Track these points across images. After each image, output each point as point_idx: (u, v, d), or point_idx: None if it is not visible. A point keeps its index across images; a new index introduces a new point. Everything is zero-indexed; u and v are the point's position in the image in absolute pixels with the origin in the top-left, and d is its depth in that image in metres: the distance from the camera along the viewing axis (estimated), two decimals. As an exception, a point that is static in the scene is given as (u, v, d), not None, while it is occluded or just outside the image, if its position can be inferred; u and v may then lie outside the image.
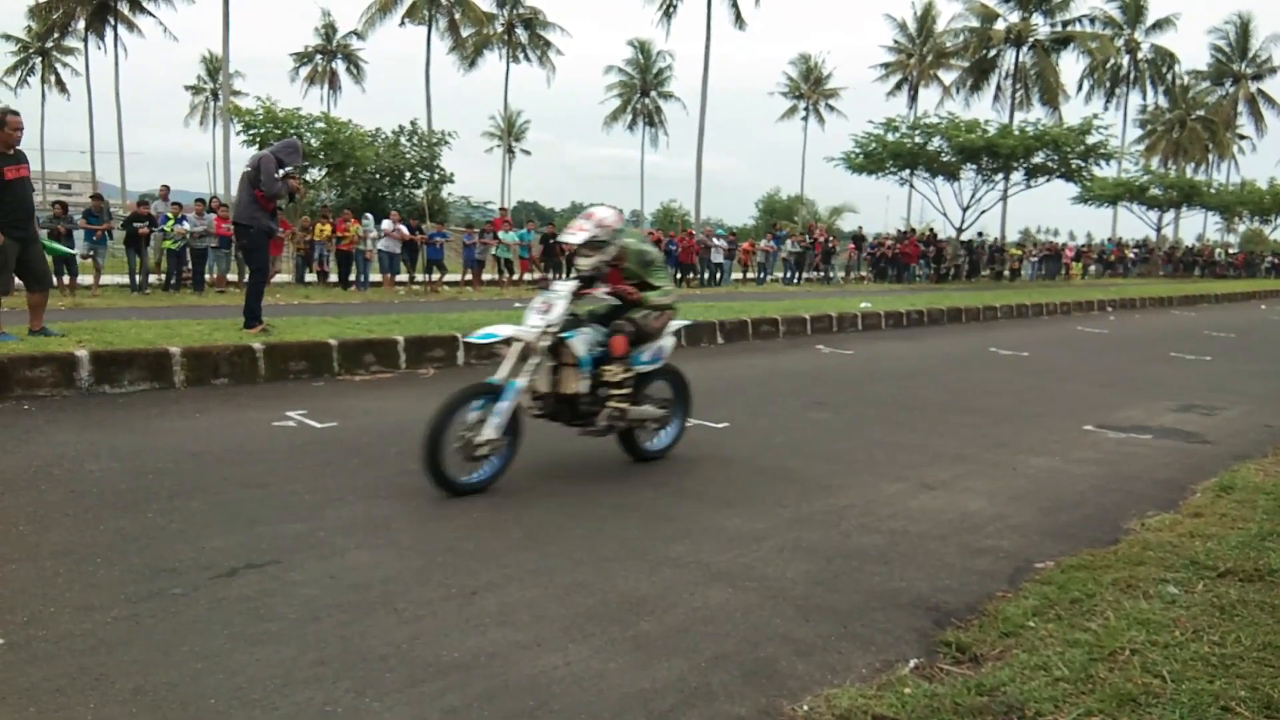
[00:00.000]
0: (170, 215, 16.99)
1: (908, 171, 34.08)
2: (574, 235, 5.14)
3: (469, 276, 21.58)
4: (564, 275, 23.16)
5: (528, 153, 73.86)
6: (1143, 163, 49.77)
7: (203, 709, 2.54)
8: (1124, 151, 42.03)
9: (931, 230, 37.08)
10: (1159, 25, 53.20)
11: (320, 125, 24.65)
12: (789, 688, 2.78)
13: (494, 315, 11.17)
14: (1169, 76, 55.91)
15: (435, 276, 20.93)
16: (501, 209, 28.39)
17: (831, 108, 64.47)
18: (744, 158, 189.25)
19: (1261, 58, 56.70)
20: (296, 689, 2.66)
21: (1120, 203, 46.43)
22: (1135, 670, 2.74)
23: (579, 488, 4.92)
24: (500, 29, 50.65)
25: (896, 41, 56.25)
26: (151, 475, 4.77)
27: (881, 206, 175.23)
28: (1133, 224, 57.85)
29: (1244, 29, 56.44)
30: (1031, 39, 46.09)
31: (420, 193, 27.86)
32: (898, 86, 56.45)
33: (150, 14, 46.95)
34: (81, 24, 47.50)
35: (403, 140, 28.68)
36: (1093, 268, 42.23)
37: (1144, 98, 56.91)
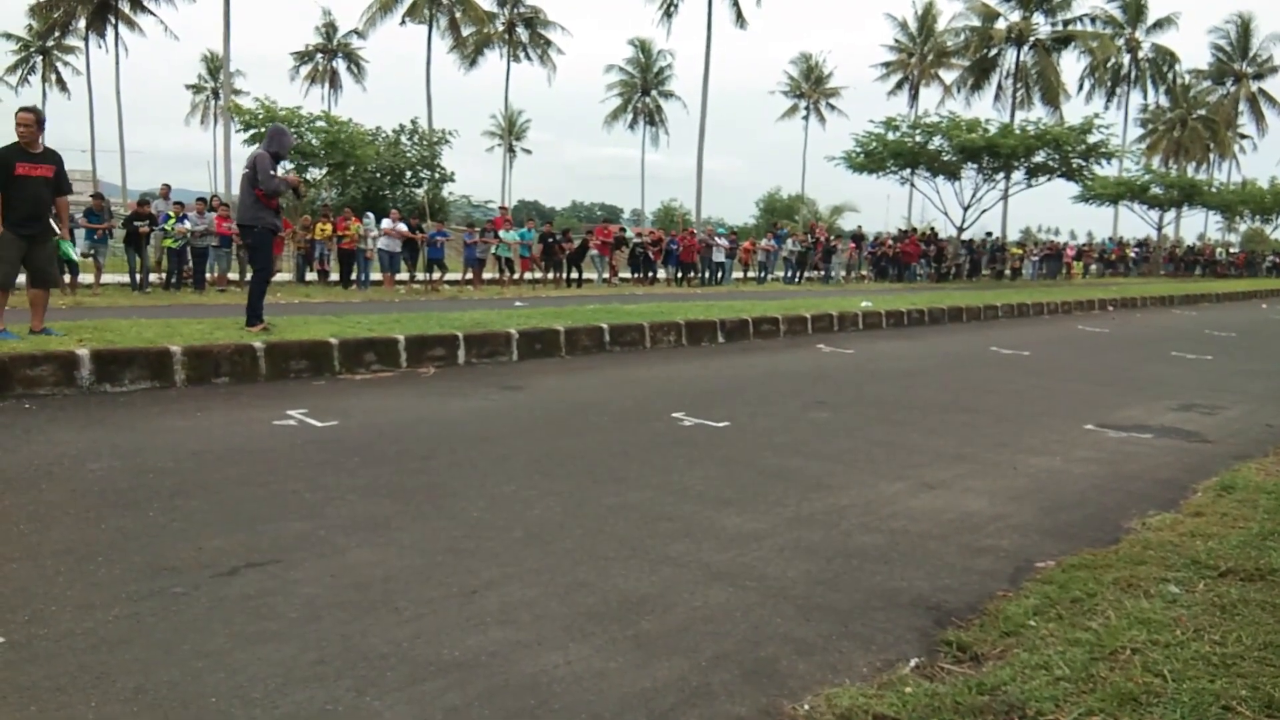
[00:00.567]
0: (171, 214, 17.00)
1: (908, 171, 34.07)
2: None
3: (469, 275, 21.58)
4: (564, 273, 23.20)
5: (528, 152, 73.88)
6: (1144, 162, 49.74)
7: (203, 708, 2.54)
8: (1125, 151, 41.99)
9: (932, 229, 37.09)
10: (1160, 24, 53.22)
11: (321, 124, 24.66)
12: (789, 687, 2.78)
13: (495, 314, 11.18)
14: (1170, 76, 55.92)
15: (436, 275, 20.94)
16: (502, 208, 28.39)
17: (832, 107, 64.53)
18: (745, 157, 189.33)
19: (1262, 57, 56.75)
20: (297, 688, 2.66)
21: (1121, 202, 46.41)
22: (1136, 669, 2.74)
23: (579, 487, 4.92)
24: (501, 28, 50.67)
25: (897, 41, 56.28)
26: (152, 474, 4.78)
27: (882, 206, 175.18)
28: (1134, 223, 57.71)
29: (1244, 28, 56.44)
30: (1032, 38, 46.09)
31: (421, 192, 27.82)
32: (898, 86, 56.48)
33: (151, 13, 47.04)
34: (82, 23, 47.57)
35: (403, 139, 28.66)
36: (1094, 267, 42.21)
37: (1145, 97, 56.98)
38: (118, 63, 48.78)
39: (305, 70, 59.69)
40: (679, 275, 25.68)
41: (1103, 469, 5.79)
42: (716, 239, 26.52)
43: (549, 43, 51.92)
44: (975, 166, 32.64)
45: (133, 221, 16.79)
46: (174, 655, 2.83)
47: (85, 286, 15.97)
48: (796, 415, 7.26)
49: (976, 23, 46.72)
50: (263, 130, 22.70)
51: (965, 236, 34.99)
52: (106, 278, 16.87)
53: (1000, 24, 46.14)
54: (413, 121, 29.38)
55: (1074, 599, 3.36)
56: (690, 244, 25.55)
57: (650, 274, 25.33)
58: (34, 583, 3.33)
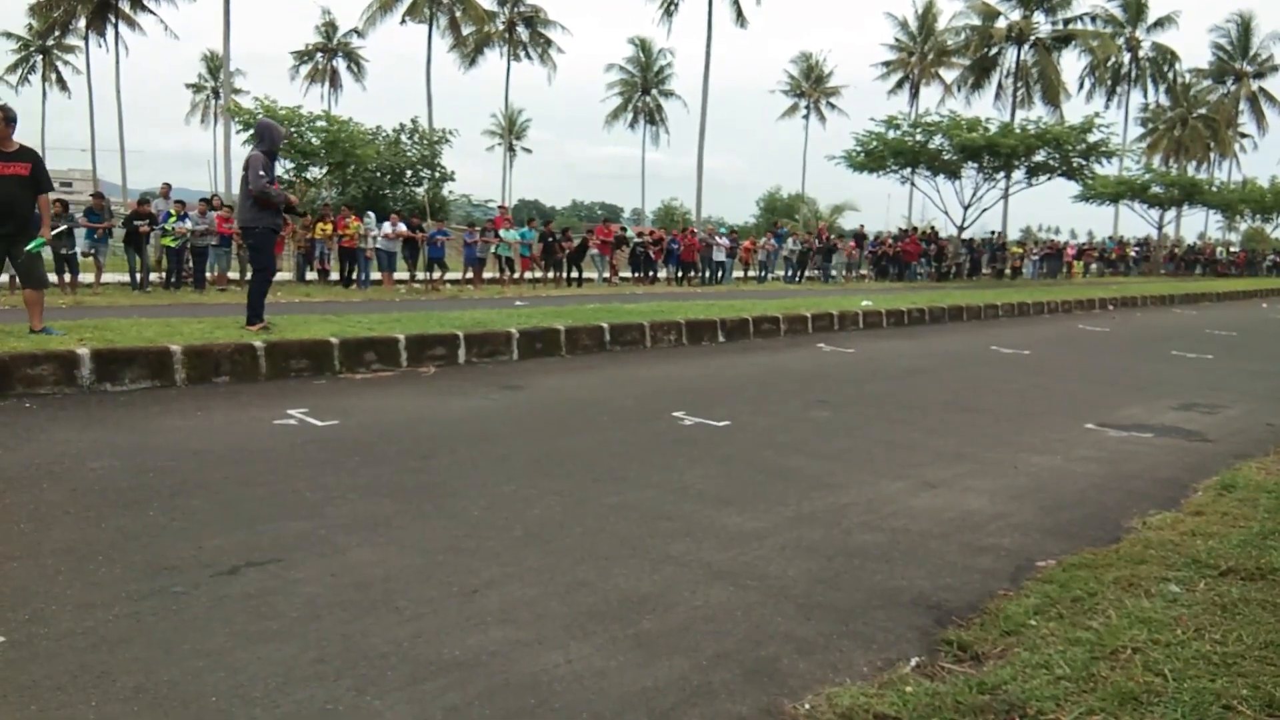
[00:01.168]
0: (173, 212, 17.00)
1: (909, 170, 34.04)
2: None
3: (470, 275, 21.58)
4: (564, 272, 23.20)
5: (529, 151, 73.81)
6: (1144, 161, 49.72)
7: (204, 707, 2.54)
8: (1125, 150, 41.98)
9: (933, 228, 37.07)
10: (1160, 23, 53.22)
11: (321, 123, 24.64)
12: (790, 686, 2.78)
13: (495, 314, 11.18)
14: (1170, 75, 55.92)
15: (436, 275, 20.94)
16: (502, 207, 28.39)
17: (832, 106, 64.52)
18: (745, 156, 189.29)
19: (1262, 56, 56.72)
20: (297, 687, 2.66)
21: (1121, 201, 46.38)
22: (1137, 669, 2.74)
23: (579, 486, 4.92)
24: (501, 27, 50.67)
25: (898, 40, 56.28)
26: (153, 473, 4.77)
27: (883, 205, 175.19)
28: (1134, 222, 57.63)
29: (1245, 27, 56.43)
30: (1033, 37, 46.09)
31: (421, 191, 27.82)
32: (899, 85, 56.49)
33: (151, 12, 47.07)
34: (82, 22, 47.58)
35: (403, 138, 28.64)
36: (1094, 266, 42.21)
37: (1145, 96, 56.99)
38: (118, 62, 48.83)
39: (305, 70, 59.71)
40: (679, 275, 25.67)
41: (1103, 468, 5.79)
42: (717, 238, 26.52)
43: (549, 42, 51.94)
44: (975, 166, 32.62)
45: (133, 221, 16.79)
46: (174, 654, 2.83)
47: (86, 286, 15.97)
48: (797, 414, 7.26)
49: (977, 21, 46.73)
50: (262, 130, 22.72)
51: (966, 236, 34.98)
52: (107, 277, 16.86)
53: (1001, 23, 46.15)
54: (413, 121, 29.37)
55: (1075, 598, 3.36)
56: (691, 243, 25.54)
57: (651, 273, 25.32)
58: (34, 582, 3.33)
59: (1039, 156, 31.93)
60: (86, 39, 49.90)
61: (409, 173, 28.00)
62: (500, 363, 9.36)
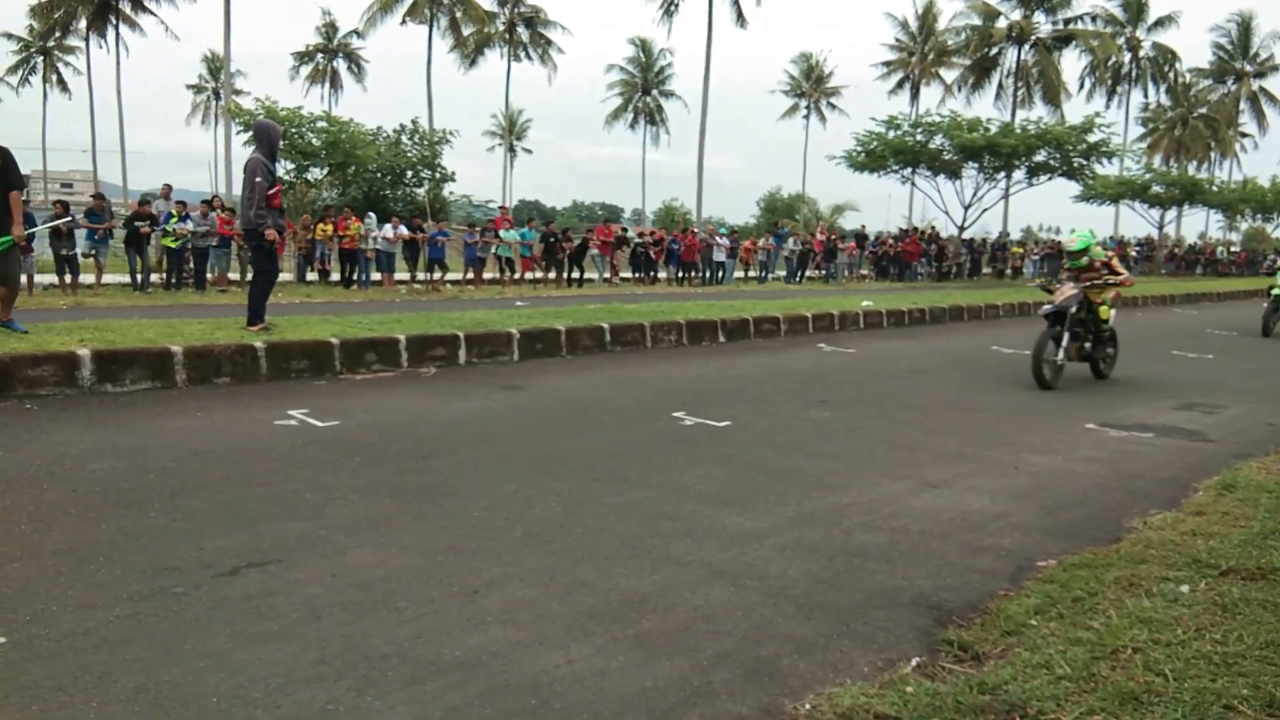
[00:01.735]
0: (174, 213, 17.00)
1: (909, 170, 34.04)
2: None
3: (470, 275, 21.58)
4: (565, 273, 23.19)
5: (529, 151, 73.75)
6: (1145, 161, 49.66)
7: (205, 708, 2.54)
8: (1126, 150, 41.98)
9: (933, 228, 37.06)
10: (1160, 23, 53.18)
11: (322, 124, 24.64)
12: (791, 686, 2.78)
13: (496, 314, 11.18)
14: (1171, 74, 55.89)
15: (437, 275, 20.94)
16: (503, 208, 28.38)
17: (833, 106, 64.47)
18: (745, 156, 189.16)
19: (1263, 56, 56.66)
20: (298, 688, 2.66)
21: (1122, 201, 46.35)
22: (1137, 668, 2.74)
23: (580, 486, 4.92)
24: (501, 27, 50.65)
25: (898, 40, 56.25)
26: (153, 474, 4.78)
27: (883, 205, 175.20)
28: (1135, 222, 57.65)
29: (1245, 27, 56.37)
30: (1033, 37, 46.07)
31: (422, 191, 27.82)
32: (899, 85, 56.44)
33: (152, 13, 47.05)
34: (83, 23, 47.59)
35: (404, 139, 28.64)
36: (1095, 266, 42.06)
37: (1146, 96, 56.94)
38: (118, 63, 48.81)
39: (306, 70, 59.67)
40: (680, 275, 25.66)
41: (1104, 468, 5.78)
42: (717, 238, 26.51)
43: (549, 42, 51.91)
44: (976, 166, 32.61)
45: (133, 222, 16.78)
46: (175, 655, 2.83)
47: (86, 287, 15.98)
48: (797, 414, 7.26)
49: (977, 21, 46.71)
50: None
51: (966, 235, 34.97)
52: (107, 278, 16.87)
53: (1001, 23, 46.12)
54: (413, 121, 29.37)
55: (1075, 598, 3.36)
56: (691, 243, 25.54)
57: (651, 274, 25.32)
58: (35, 583, 3.33)
59: (1039, 156, 31.92)
60: (87, 40, 49.90)
61: (409, 173, 28.00)
62: (501, 363, 9.36)
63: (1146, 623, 3.06)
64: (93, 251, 16.52)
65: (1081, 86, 53.01)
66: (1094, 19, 48.93)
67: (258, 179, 8.80)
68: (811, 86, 64.22)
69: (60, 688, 2.60)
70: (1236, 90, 57.97)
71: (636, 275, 25.30)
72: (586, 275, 23.81)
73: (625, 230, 28.91)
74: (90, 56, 51.40)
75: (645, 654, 2.97)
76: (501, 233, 21.85)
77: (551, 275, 23.32)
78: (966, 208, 34.04)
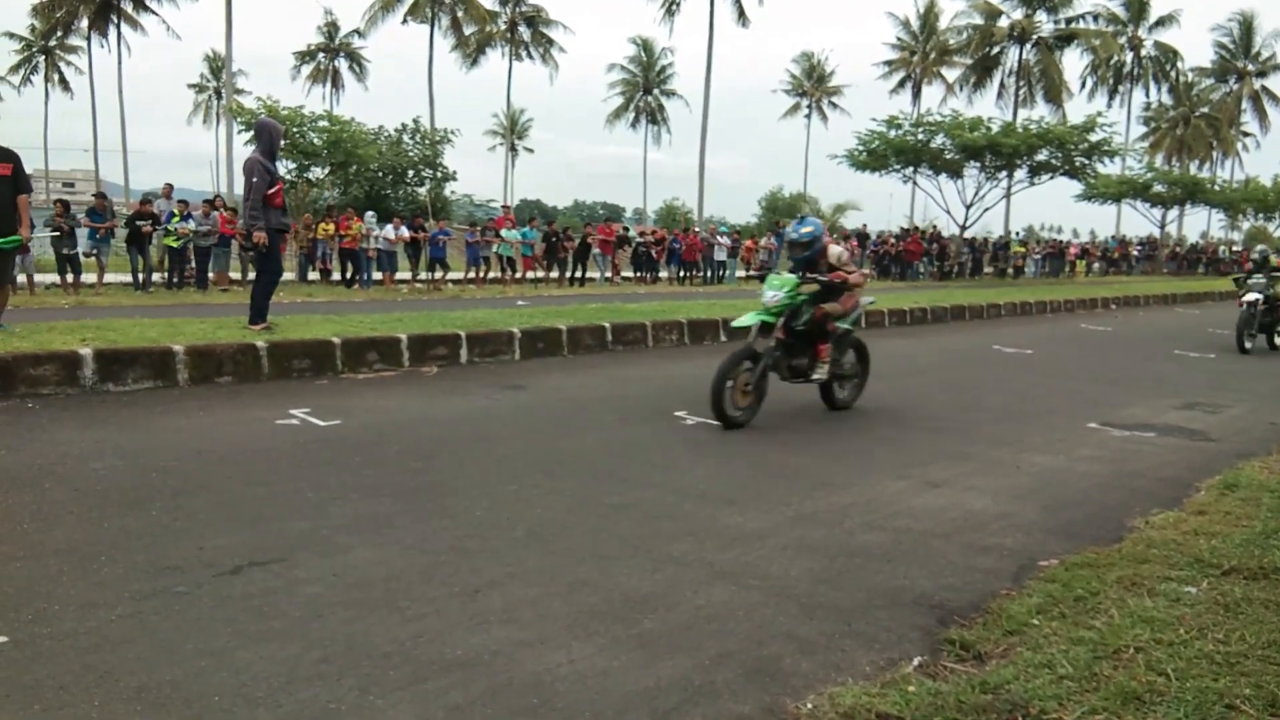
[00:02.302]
0: (175, 212, 17.00)
1: (911, 169, 34.01)
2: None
3: (472, 274, 21.58)
4: (571, 271, 23.19)
5: (530, 150, 73.77)
6: (1146, 160, 49.62)
7: (207, 707, 2.54)
8: (1128, 149, 41.92)
9: (935, 228, 37.03)
10: (1162, 22, 53.15)
11: (323, 124, 24.67)
12: (793, 686, 2.78)
13: (497, 314, 11.18)
14: (1172, 73, 55.86)
15: (438, 275, 20.94)
16: (505, 207, 28.40)
17: (834, 105, 64.47)
18: (747, 155, 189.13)
19: (1264, 55, 56.63)
20: (300, 687, 2.66)
21: (1124, 200, 46.31)
22: (1139, 668, 2.73)
23: (581, 486, 4.92)
24: (503, 27, 50.66)
25: (899, 39, 56.25)
26: (155, 473, 4.78)
27: (885, 204, 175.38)
28: (1137, 221, 57.71)
29: (1247, 26, 56.35)
30: (1035, 36, 46.02)
31: (423, 191, 27.84)
32: (901, 84, 56.45)
33: (153, 12, 47.11)
34: (85, 22, 47.63)
35: (405, 138, 28.66)
36: (1096, 265, 42.15)
37: (1147, 95, 56.90)
38: (120, 62, 48.84)
39: (307, 70, 59.70)
40: (681, 274, 25.66)
41: (1106, 467, 5.78)
42: (719, 238, 26.50)
43: (551, 41, 51.92)
44: (978, 165, 32.58)
45: (135, 221, 16.78)
46: (177, 654, 2.83)
47: (88, 286, 15.98)
48: (798, 414, 7.25)
49: (979, 20, 46.69)
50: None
51: (968, 235, 34.95)
52: (109, 277, 16.88)
53: (1003, 22, 46.10)
54: (415, 120, 29.40)
55: (1077, 597, 3.36)
56: (693, 243, 25.53)
57: (653, 273, 25.31)
58: (37, 582, 3.33)
59: (1041, 156, 31.88)
60: (89, 39, 49.94)
61: (411, 173, 28.02)
62: (502, 362, 9.36)
63: (1149, 622, 3.06)
64: (94, 251, 16.53)
65: (1083, 86, 53.04)
66: (1095, 18, 48.89)
67: (254, 179, 8.79)
68: (813, 86, 64.20)
69: (62, 687, 2.61)
70: (1238, 89, 57.93)
71: (638, 274, 25.30)
72: (588, 275, 23.80)
73: (627, 229, 28.89)
74: (92, 56, 51.48)
75: (647, 653, 2.96)
76: (503, 232, 21.85)
77: (554, 275, 23.32)
78: (968, 207, 34.01)
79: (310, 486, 4.67)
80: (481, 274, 21.69)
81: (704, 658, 2.95)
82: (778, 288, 6.80)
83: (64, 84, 57.23)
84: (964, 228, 34.48)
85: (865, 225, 34.31)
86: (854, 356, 7.59)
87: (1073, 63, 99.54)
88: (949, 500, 4.91)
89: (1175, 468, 5.80)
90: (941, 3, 56.38)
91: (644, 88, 62.31)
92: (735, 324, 7.23)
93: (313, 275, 20.02)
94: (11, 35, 53.32)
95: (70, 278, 15.58)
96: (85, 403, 6.56)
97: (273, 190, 8.92)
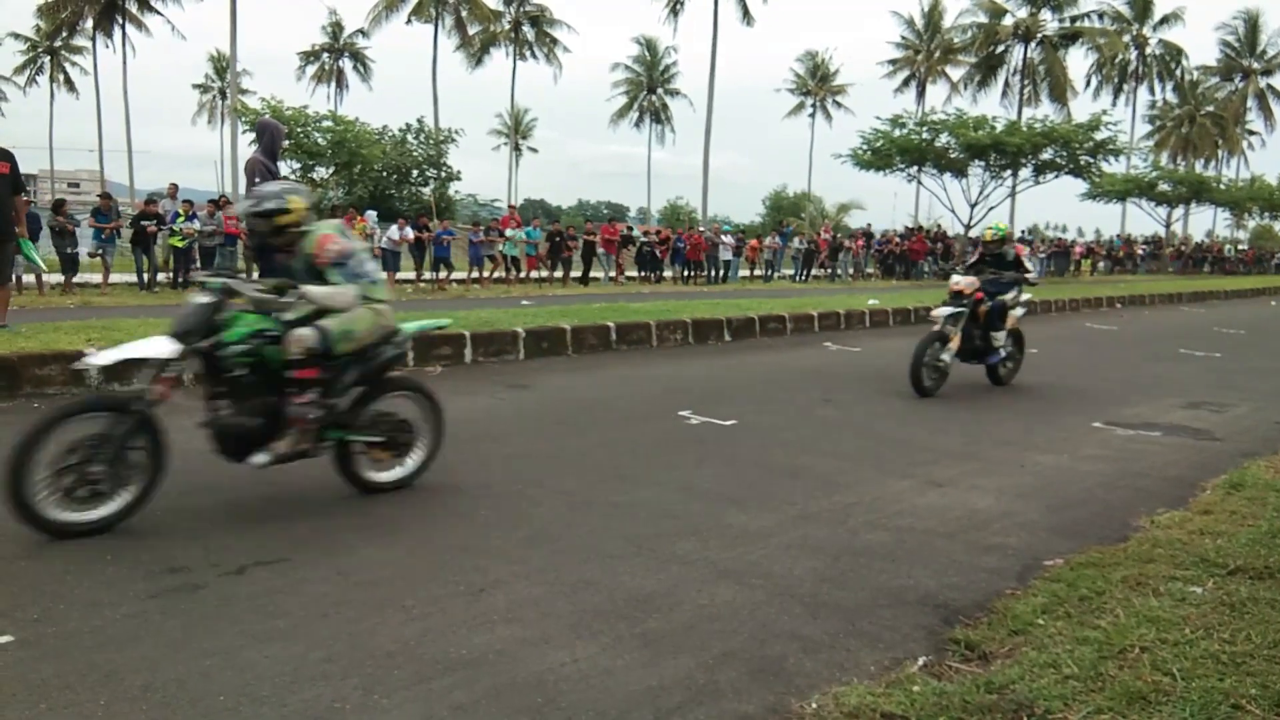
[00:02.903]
0: (181, 212, 17.04)
1: (915, 168, 33.98)
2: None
3: (476, 274, 21.60)
4: (583, 271, 23.21)
5: (534, 150, 73.88)
6: (1152, 159, 49.52)
7: (212, 705, 2.55)
8: (1133, 147, 41.88)
9: (939, 227, 36.98)
10: (1166, 20, 53.02)
11: (327, 124, 24.70)
12: (797, 685, 2.78)
13: (501, 313, 11.19)
14: (1178, 72, 55.73)
15: (442, 274, 20.95)
16: (511, 207, 28.41)
17: (839, 104, 64.30)
18: (751, 155, 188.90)
19: (1270, 53, 56.45)
20: (305, 686, 2.67)
21: (1129, 199, 46.23)
22: (1145, 668, 2.73)
23: (584, 486, 4.92)
24: (507, 26, 50.66)
25: (904, 38, 56.14)
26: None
27: (889, 203, 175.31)
28: (1142, 220, 57.72)
29: (1253, 24, 56.19)
30: (1040, 34, 45.96)
31: (427, 190, 27.88)
32: (905, 83, 56.34)
33: (158, 13, 47.14)
34: (90, 23, 47.68)
35: (409, 138, 28.71)
36: (1101, 264, 42.05)
37: (1153, 93, 56.78)
38: (125, 63, 48.85)
39: (312, 70, 59.72)
40: (685, 273, 25.66)
41: (1111, 467, 5.77)
42: (723, 237, 26.49)
43: (555, 41, 51.90)
44: (982, 164, 32.54)
45: (140, 221, 16.83)
46: (182, 653, 2.84)
47: (93, 286, 16.02)
48: (803, 413, 7.25)
49: (984, 19, 46.61)
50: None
51: (972, 234, 34.89)
52: (114, 277, 16.92)
53: (1007, 20, 46.03)
54: (419, 120, 29.46)
55: (1082, 597, 3.35)
56: (697, 242, 25.52)
57: (657, 272, 25.32)
58: (43, 581, 3.35)
59: (1046, 154, 31.82)
60: (94, 40, 49.96)
61: (415, 172, 28.08)
62: (506, 362, 9.36)
63: (1154, 622, 3.05)
64: (100, 251, 16.57)
65: (1088, 84, 52.93)
66: (1100, 16, 48.82)
67: (256, 179, 8.80)
68: (817, 85, 64.10)
69: (68, 685, 2.61)
70: (1244, 88, 57.77)
71: (642, 274, 25.30)
72: (592, 274, 23.81)
73: (630, 229, 28.90)
74: (97, 56, 51.42)
75: (651, 653, 2.96)
76: (507, 231, 21.86)
77: (558, 274, 23.33)
78: (973, 206, 33.95)
79: (314, 485, 4.67)
80: (486, 274, 21.71)
81: (708, 657, 2.95)
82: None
83: (69, 84, 57.36)
84: (968, 227, 34.43)
85: (869, 224, 34.32)
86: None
87: (1077, 61, 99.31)
88: (953, 499, 4.90)
89: (1180, 467, 5.78)
90: (946, 1, 56.38)
91: (648, 87, 62.28)
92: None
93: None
94: (17, 36, 53.45)
95: (67, 276, 15.60)
96: (91, 402, 6.56)
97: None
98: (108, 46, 49.26)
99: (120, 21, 47.08)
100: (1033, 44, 46.32)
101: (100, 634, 2.95)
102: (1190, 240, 53.06)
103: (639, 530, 4.20)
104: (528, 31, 51.39)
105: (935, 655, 3.01)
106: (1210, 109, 57.08)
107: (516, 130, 64.55)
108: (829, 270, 29.56)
